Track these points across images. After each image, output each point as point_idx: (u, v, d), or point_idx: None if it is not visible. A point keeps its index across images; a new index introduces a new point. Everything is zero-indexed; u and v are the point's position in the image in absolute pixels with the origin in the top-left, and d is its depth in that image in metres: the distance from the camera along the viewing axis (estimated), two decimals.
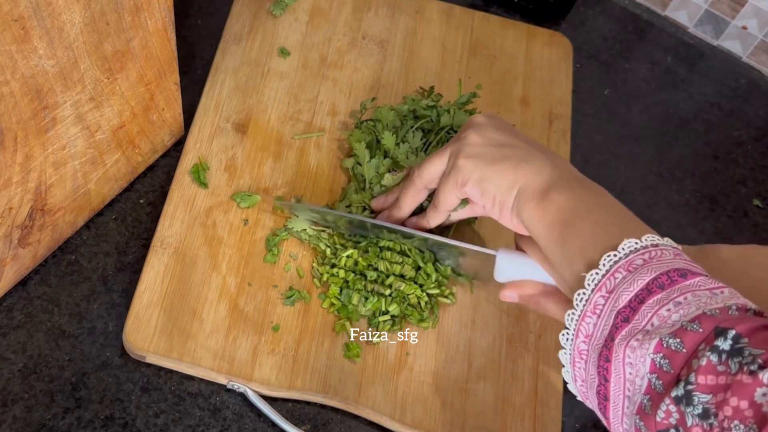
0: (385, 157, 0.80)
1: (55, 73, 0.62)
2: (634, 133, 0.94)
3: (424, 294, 0.75)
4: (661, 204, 0.89)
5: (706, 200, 0.91)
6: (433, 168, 0.71)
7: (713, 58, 1.01)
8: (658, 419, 0.51)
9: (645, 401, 0.53)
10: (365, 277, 0.75)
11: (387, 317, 0.74)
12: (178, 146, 0.83)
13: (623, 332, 0.54)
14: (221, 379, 0.72)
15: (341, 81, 0.88)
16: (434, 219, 0.73)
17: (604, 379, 0.56)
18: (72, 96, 0.65)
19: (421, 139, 0.80)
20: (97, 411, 0.70)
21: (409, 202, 0.74)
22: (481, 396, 0.74)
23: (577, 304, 0.58)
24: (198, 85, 0.86)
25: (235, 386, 0.71)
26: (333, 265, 0.76)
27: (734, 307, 0.52)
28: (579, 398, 0.61)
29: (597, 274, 0.57)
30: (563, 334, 0.59)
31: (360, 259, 0.75)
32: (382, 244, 0.76)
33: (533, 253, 0.67)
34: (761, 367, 0.48)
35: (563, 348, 0.59)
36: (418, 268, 0.76)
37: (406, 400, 0.72)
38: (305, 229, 0.78)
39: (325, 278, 0.76)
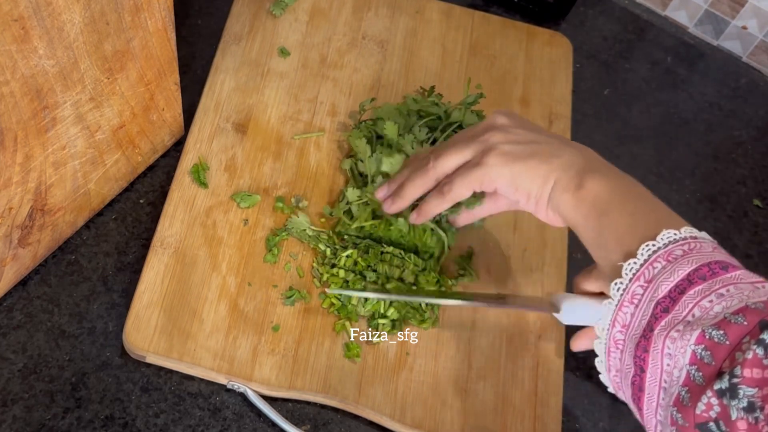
0: (389, 147, 0.79)
1: (55, 73, 0.62)
2: (634, 133, 0.94)
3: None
4: None
5: (706, 200, 0.91)
6: (452, 162, 0.70)
7: (713, 58, 1.01)
8: (698, 411, 0.51)
9: (683, 393, 0.52)
10: (365, 277, 0.75)
11: (386, 320, 0.74)
12: (178, 146, 0.83)
13: (663, 323, 0.54)
14: (221, 379, 0.72)
15: (341, 81, 0.88)
16: (437, 208, 0.72)
17: (640, 370, 0.55)
18: (72, 96, 0.65)
19: (426, 134, 0.80)
20: (97, 411, 0.70)
21: (415, 192, 0.73)
22: (481, 396, 0.74)
23: (614, 294, 0.57)
24: (198, 85, 0.86)
25: (235, 386, 0.71)
26: (333, 265, 0.76)
27: None
28: (610, 389, 0.61)
29: (635, 263, 0.57)
30: (599, 324, 0.59)
31: (360, 260, 0.75)
32: (383, 249, 0.76)
33: (594, 286, 0.67)
34: None
35: (598, 338, 0.59)
36: (423, 269, 0.76)
37: (406, 400, 0.72)
38: (305, 230, 0.78)
39: (325, 278, 0.76)
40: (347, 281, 0.75)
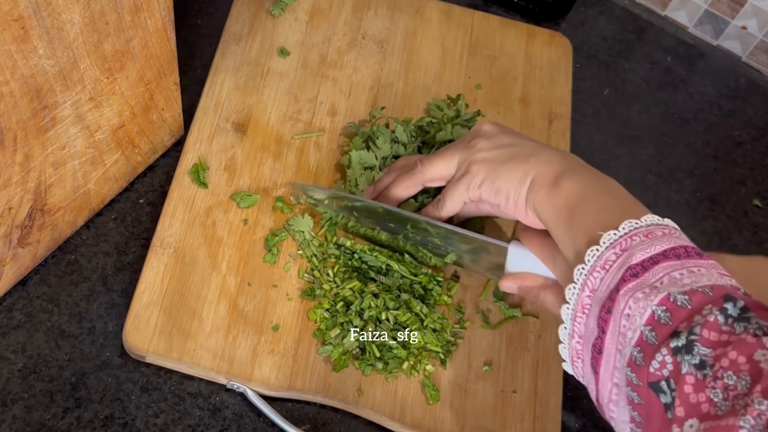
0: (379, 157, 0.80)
1: (54, 72, 0.62)
2: (634, 133, 0.94)
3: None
4: (661, 204, 0.89)
5: (706, 200, 0.91)
6: (439, 170, 0.72)
7: (713, 58, 1.01)
8: (651, 370, 0.52)
9: (635, 353, 0.53)
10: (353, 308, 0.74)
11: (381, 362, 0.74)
12: (177, 146, 0.83)
13: (630, 285, 0.55)
14: (221, 379, 0.72)
15: (341, 81, 0.88)
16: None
17: (601, 331, 0.56)
18: (72, 96, 0.65)
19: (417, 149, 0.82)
20: (96, 411, 0.70)
21: (401, 194, 0.75)
22: (481, 396, 0.74)
23: (588, 260, 0.58)
24: (198, 85, 0.86)
25: (235, 386, 0.71)
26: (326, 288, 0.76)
27: (743, 291, 0.54)
28: (566, 366, 0.61)
29: (614, 234, 0.57)
30: (569, 289, 0.59)
31: (348, 295, 0.75)
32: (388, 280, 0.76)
33: (533, 245, 0.67)
34: (766, 334, 0.49)
35: (567, 303, 0.60)
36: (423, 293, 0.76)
37: (406, 400, 0.72)
38: (303, 232, 0.77)
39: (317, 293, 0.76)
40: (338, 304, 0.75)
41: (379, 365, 0.72)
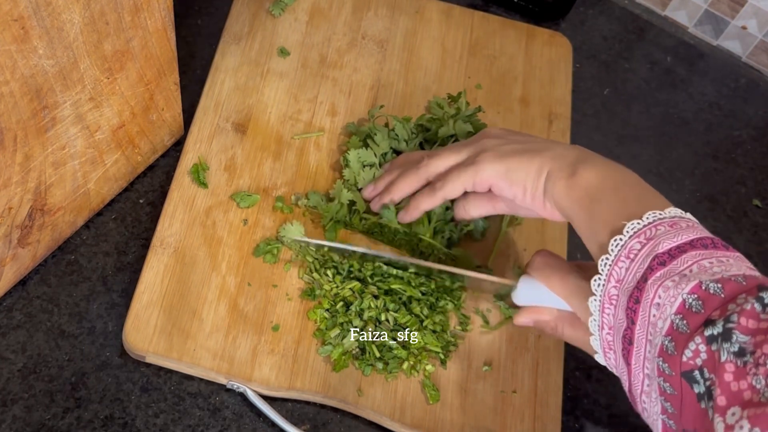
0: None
1: (54, 72, 0.62)
2: (634, 133, 0.94)
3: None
4: None
5: (706, 200, 0.91)
6: (446, 162, 0.72)
7: (713, 58, 1.01)
8: (684, 359, 0.51)
9: (666, 343, 0.53)
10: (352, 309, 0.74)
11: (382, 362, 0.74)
12: (177, 146, 0.83)
13: (658, 274, 0.54)
14: (221, 379, 0.72)
15: (341, 81, 0.88)
16: (427, 204, 0.72)
17: (631, 322, 0.56)
18: (72, 96, 0.65)
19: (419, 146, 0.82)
20: (96, 411, 0.70)
21: (405, 188, 0.74)
22: (480, 396, 0.74)
23: (612, 250, 0.58)
24: (198, 85, 0.86)
25: (235, 386, 0.71)
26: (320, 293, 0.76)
27: None
28: (599, 357, 0.61)
29: (638, 224, 0.57)
30: (595, 280, 0.59)
31: (348, 295, 0.75)
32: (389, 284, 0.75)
33: (545, 279, 0.67)
34: None
35: (594, 295, 0.59)
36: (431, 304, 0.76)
37: (406, 400, 0.72)
38: (296, 239, 0.77)
39: (317, 292, 0.75)
40: (338, 304, 0.75)
41: (379, 365, 0.72)
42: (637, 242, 0.57)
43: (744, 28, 0.99)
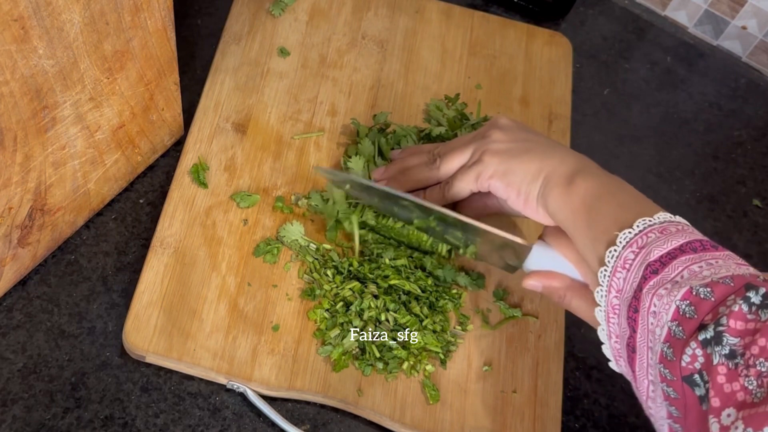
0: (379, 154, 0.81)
1: (54, 72, 0.62)
2: (634, 133, 0.94)
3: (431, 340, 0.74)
4: (660, 204, 0.88)
5: (706, 200, 0.91)
6: (455, 162, 0.73)
7: (713, 58, 1.01)
8: (683, 364, 0.52)
9: (665, 349, 0.54)
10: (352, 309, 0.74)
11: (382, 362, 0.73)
12: (177, 146, 0.83)
13: (651, 282, 0.56)
14: (221, 379, 0.72)
15: (341, 81, 0.88)
16: (436, 204, 0.73)
17: (632, 330, 0.57)
18: (72, 96, 0.65)
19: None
20: (96, 411, 0.70)
21: (416, 183, 0.75)
22: (481, 396, 0.74)
23: (608, 261, 0.59)
24: (198, 85, 0.86)
25: (235, 386, 0.71)
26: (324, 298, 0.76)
27: (761, 277, 0.54)
28: (612, 364, 0.62)
29: (630, 233, 0.58)
30: (598, 291, 0.60)
31: (348, 295, 0.75)
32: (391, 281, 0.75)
33: (560, 246, 0.67)
34: None
35: (599, 305, 0.60)
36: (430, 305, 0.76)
37: (406, 400, 0.72)
38: (296, 239, 0.77)
39: (317, 292, 0.75)
40: (338, 304, 0.75)
41: (379, 365, 0.72)
42: (630, 252, 0.58)
43: (744, 28, 0.99)
